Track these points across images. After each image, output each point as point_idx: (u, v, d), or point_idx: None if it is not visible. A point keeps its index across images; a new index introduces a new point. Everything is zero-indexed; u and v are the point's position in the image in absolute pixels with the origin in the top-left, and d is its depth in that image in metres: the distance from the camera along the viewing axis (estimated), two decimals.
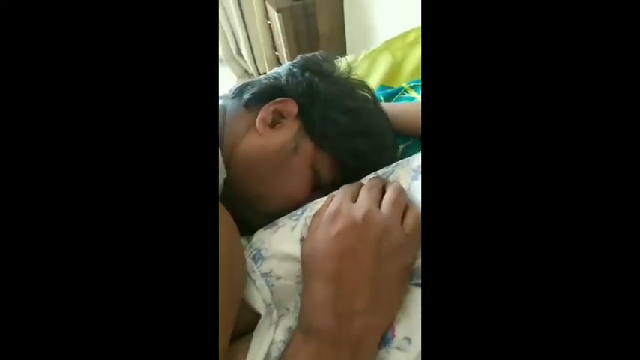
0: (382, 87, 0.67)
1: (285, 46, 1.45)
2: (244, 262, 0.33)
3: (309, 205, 0.35)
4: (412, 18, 0.87)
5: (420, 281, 0.29)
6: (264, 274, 0.32)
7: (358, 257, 0.27)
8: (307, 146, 0.39)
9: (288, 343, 0.28)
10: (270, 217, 0.37)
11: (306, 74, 0.42)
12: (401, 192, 0.31)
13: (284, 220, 0.35)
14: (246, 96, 0.41)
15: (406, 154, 0.50)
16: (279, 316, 0.31)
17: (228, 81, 1.86)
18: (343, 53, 1.51)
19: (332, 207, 0.30)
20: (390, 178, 0.35)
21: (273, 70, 0.45)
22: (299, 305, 0.30)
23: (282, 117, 0.40)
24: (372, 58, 0.77)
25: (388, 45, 0.80)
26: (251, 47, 1.75)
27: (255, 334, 0.30)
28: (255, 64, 1.81)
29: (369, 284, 0.26)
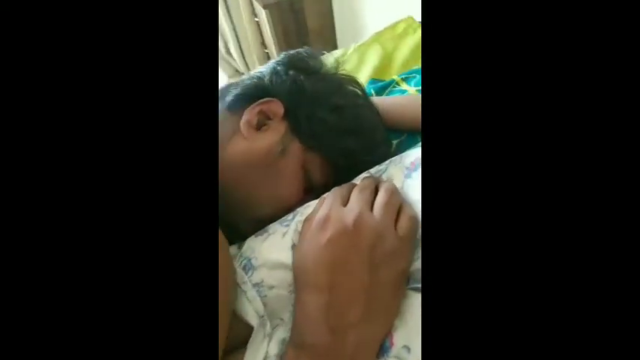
0: (373, 80, 0.66)
1: (274, 43, 1.43)
2: (234, 272, 0.31)
3: (299, 210, 0.34)
4: (402, 9, 0.85)
5: (417, 285, 0.27)
6: (255, 285, 0.31)
7: (350, 266, 0.26)
8: (296, 147, 0.38)
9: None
10: (262, 223, 0.35)
11: (291, 72, 0.40)
12: (394, 192, 0.30)
13: (275, 227, 0.34)
14: (229, 98, 0.39)
15: (400, 149, 0.49)
16: (274, 328, 0.30)
17: (219, 81, 1.83)
18: (334, 47, 1.49)
19: (321, 212, 0.28)
20: (384, 177, 0.34)
21: (256, 70, 0.43)
22: (293, 315, 0.29)
23: (268, 118, 0.39)
24: (362, 51, 0.75)
25: (377, 37, 0.78)
26: (240, 46, 1.73)
27: (248, 348, 0.29)
28: (246, 62, 1.79)
29: (363, 293, 0.25)
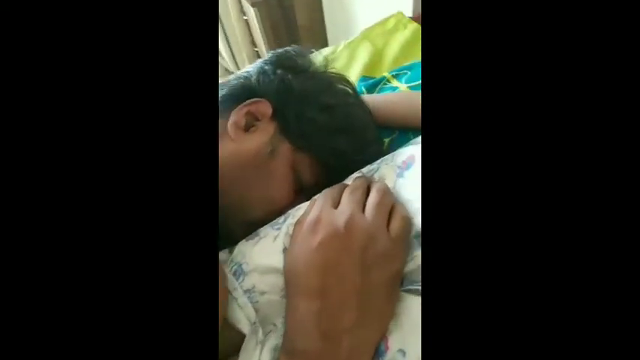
0: (364, 78, 0.65)
1: (264, 42, 1.41)
2: (225, 278, 0.31)
3: (291, 212, 0.33)
4: (392, 4, 0.84)
5: (411, 287, 0.27)
6: (247, 291, 0.30)
7: (342, 269, 0.25)
8: (285, 148, 0.37)
9: None
10: (253, 226, 0.34)
11: (279, 71, 0.39)
12: (386, 192, 0.29)
13: (266, 230, 0.33)
14: None
15: (392, 147, 0.48)
16: (266, 335, 0.29)
17: None
18: (324, 44, 1.48)
19: (312, 215, 0.28)
20: (376, 176, 0.33)
21: (243, 70, 0.42)
22: (285, 321, 0.28)
23: (257, 119, 0.38)
24: (352, 48, 0.74)
25: (368, 33, 0.77)
26: (229, 45, 1.71)
27: (240, 355, 0.28)
28: (235, 61, 1.77)
29: (356, 297, 0.24)
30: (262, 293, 0.30)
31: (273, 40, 1.40)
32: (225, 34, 1.67)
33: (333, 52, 0.75)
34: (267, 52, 0.44)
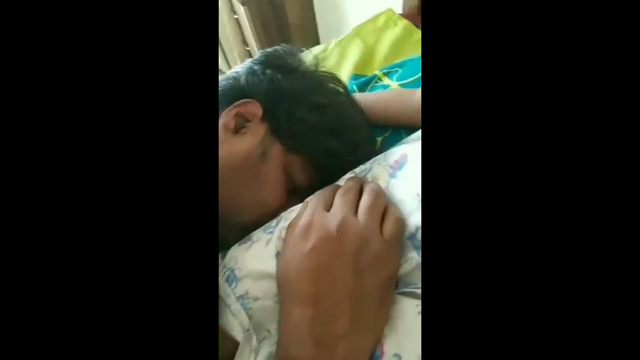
0: (355, 76, 0.64)
1: (255, 41, 1.40)
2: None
3: (284, 215, 0.33)
4: (383, 1, 0.84)
5: (406, 290, 0.27)
6: (240, 297, 0.30)
7: (335, 274, 0.24)
8: (276, 150, 0.36)
9: None
10: (245, 230, 0.34)
11: (268, 71, 0.39)
12: (379, 193, 0.29)
13: (259, 234, 0.33)
14: None
15: (384, 146, 0.48)
16: (260, 341, 0.29)
17: None
18: (316, 42, 1.47)
19: (304, 219, 0.27)
20: (368, 177, 0.33)
21: (231, 70, 0.41)
22: (278, 328, 0.28)
23: (247, 120, 0.37)
24: (343, 46, 0.74)
25: (358, 31, 0.77)
26: (220, 44, 1.69)
27: None
28: (227, 61, 1.75)
29: (350, 303, 0.24)
30: (256, 299, 0.29)
31: (264, 39, 1.39)
32: None
33: (324, 51, 0.74)
34: (258, 52, 0.43)
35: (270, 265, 0.29)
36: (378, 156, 0.35)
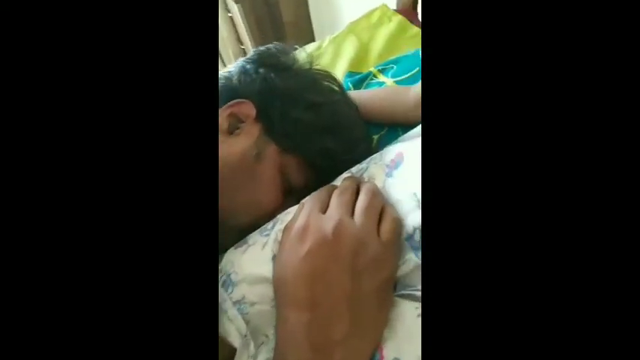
0: (350, 74, 0.64)
1: (249, 39, 1.38)
2: None
3: (279, 217, 0.32)
4: None
5: (405, 292, 0.26)
6: (236, 302, 0.29)
7: (332, 278, 0.24)
8: (271, 150, 0.36)
9: None
10: (242, 233, 0.33)
11: (261, 70, 0.38)
12: (375, 194, 0.28)
13: (255, 237, 0.32)
14: None
15: (381, 144, 0.47)
16: (258, 347, 0.28)
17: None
18: (311, 39, 1.46)
19: (300, 221, 0.27)
20: (365, 176, 0.32)
21: (224, 70, 0.41)
22: (275, 333, 0.27)
23: (240, 121, 0.37)
24: (337, 43, 0.73)
25: (353, 27, 0.76)
26: None
27: None
28: (222, 59, 1.74)
29: (347, 307, 0.23)
30: (252, 304, 0.29)
31: (259, 37, 1.38)
32: None
33: (318, 48, 0.73)
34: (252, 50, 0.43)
35: (266, 269, 0.28)
36: (375, 155, 0.34)
